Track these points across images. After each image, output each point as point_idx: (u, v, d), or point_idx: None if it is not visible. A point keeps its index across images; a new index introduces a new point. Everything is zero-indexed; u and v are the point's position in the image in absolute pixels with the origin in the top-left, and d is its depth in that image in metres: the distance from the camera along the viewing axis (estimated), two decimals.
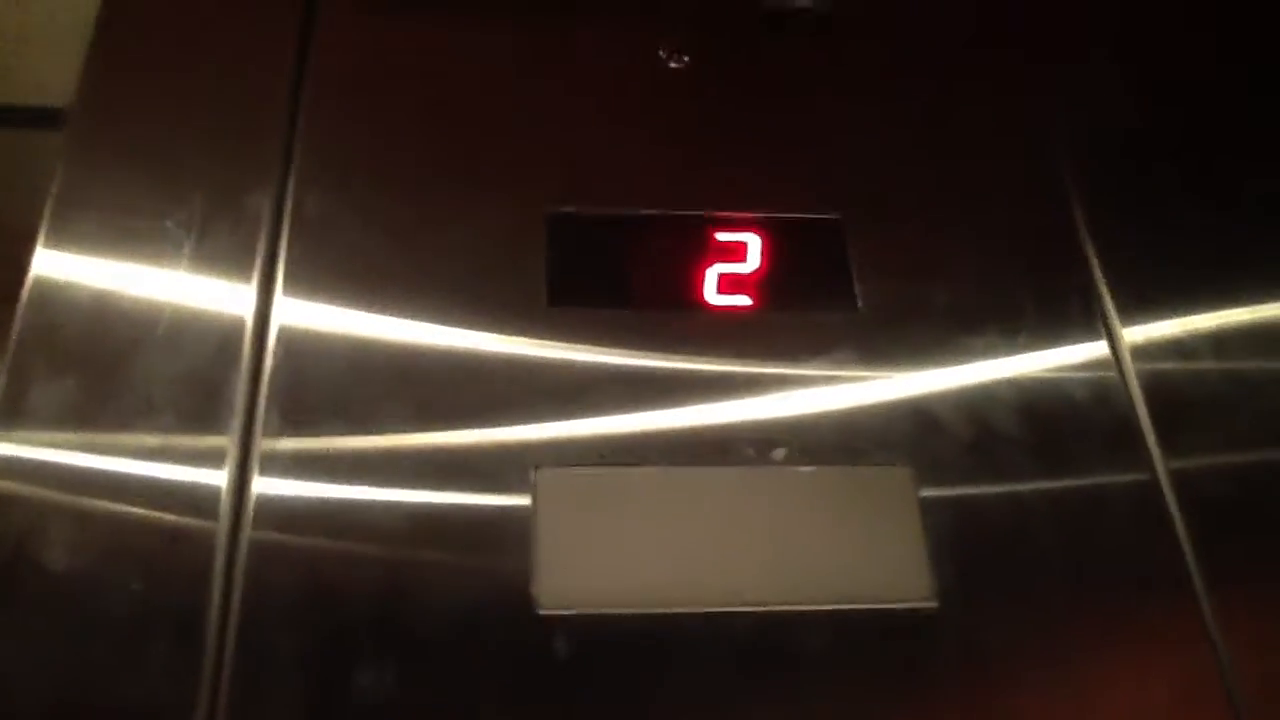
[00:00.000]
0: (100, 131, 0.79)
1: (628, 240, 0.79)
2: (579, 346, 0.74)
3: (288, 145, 0.79)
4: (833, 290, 0.79)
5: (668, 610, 0.65)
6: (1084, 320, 0.79)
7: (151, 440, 0.66)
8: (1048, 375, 0.77)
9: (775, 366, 0.75)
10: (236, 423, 0.67)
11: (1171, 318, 0.80)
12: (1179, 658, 0.68)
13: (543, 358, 0.73)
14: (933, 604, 0.67)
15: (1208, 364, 0.79)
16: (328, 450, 0.67)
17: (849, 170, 0.84)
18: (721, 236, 0.80)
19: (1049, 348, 0.78)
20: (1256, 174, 0.88)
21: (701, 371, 0.74)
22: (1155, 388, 0.77)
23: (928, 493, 0.71)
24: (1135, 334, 0.79)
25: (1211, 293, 0.81)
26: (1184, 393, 0.77)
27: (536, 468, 0.68)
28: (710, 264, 0.79)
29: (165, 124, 0.79)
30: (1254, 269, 0.83)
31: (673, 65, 0.88)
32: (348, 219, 0.76)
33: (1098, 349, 0.78)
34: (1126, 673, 0.67)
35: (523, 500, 0.67)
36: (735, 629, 0.65)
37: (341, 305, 0.73)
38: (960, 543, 0.70)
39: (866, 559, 0.69)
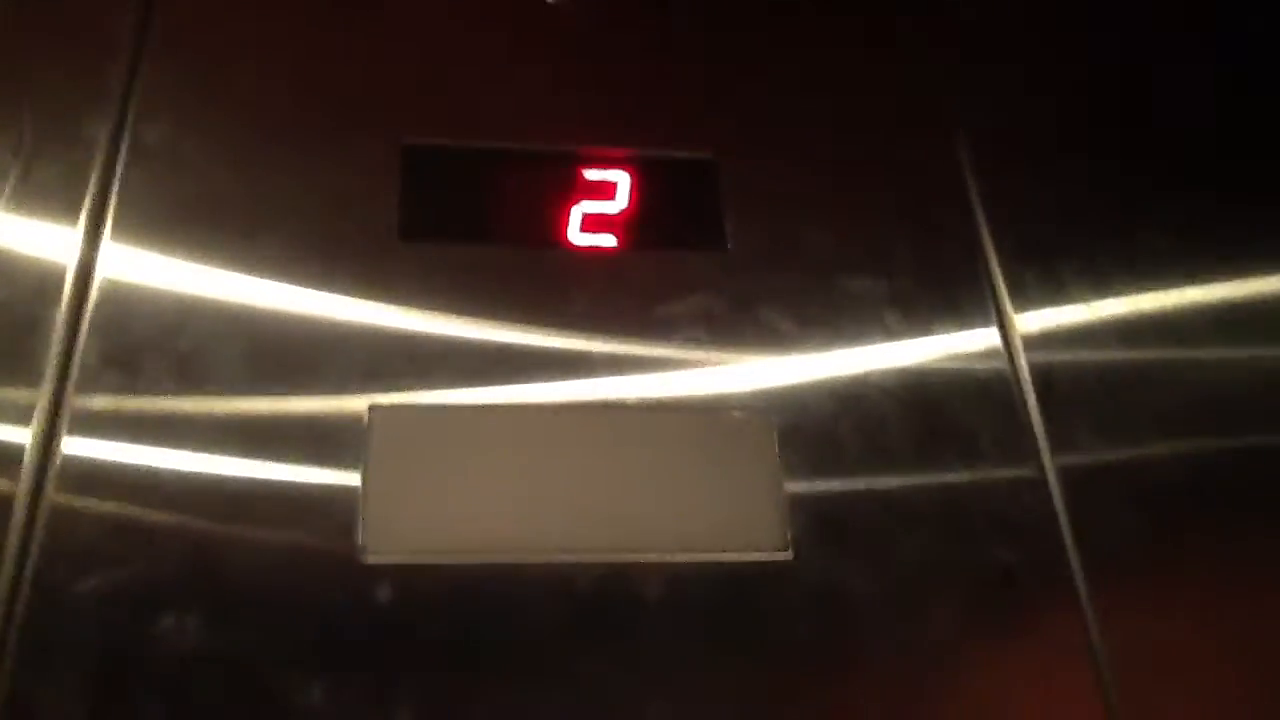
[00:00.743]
0: None
1: (489, 175, 0.76)
2: (431, 284, 0.71)
3: (131, 72, 0.75)
4: (702, 231, 0.77)
5: (503, 560, 0.63)
6: (972, 298, 0.76)
7: None
8: (927, 339, 0.75)
9: (639, 308, 0.73)
10: (49, 376, 0.64)
11: (1068, 303, 0.77)
12: (1050, 639, 0.67)
13: (390, 296, 0.70)
14: (786, 556, 0.66)
15: (1105, 355, 0.76)
16: (146, 408, 0.64)
17: (725, 109, 0.81)
18: (589, 174, 0.77)
19: (931, 309, 0.76)
20: (1168, 153, 0.85)
21: (559, 313, 0.72)
22: (1046, 379, 0.74)
23: (789, 443, 0.69)
24: (1028, 320, 0.76)
25: (1113, 279, 0.79)
26: (1078, 386, 0.75)
27: (371, 408, 0.66)
28: (576, 202, 0.76)
29: None
30: (1161, 253, 0.80)
31: None
32: (189, 151, 0.73)
33: (988, 336, 0.75)
34: (991, 645, 0.66)
35: (356, 451, 0.65)
36: (574, 580, 0.64)
37: (176, 247, 0.69)
38: (820, 497, 0.68)
39: (720, 508, 0.67)
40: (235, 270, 0.69)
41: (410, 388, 0.67)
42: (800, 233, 0.77)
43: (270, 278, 0.69)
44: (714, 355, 0.72)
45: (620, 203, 0.76)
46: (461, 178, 0.76)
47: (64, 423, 0.63)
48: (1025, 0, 0.90)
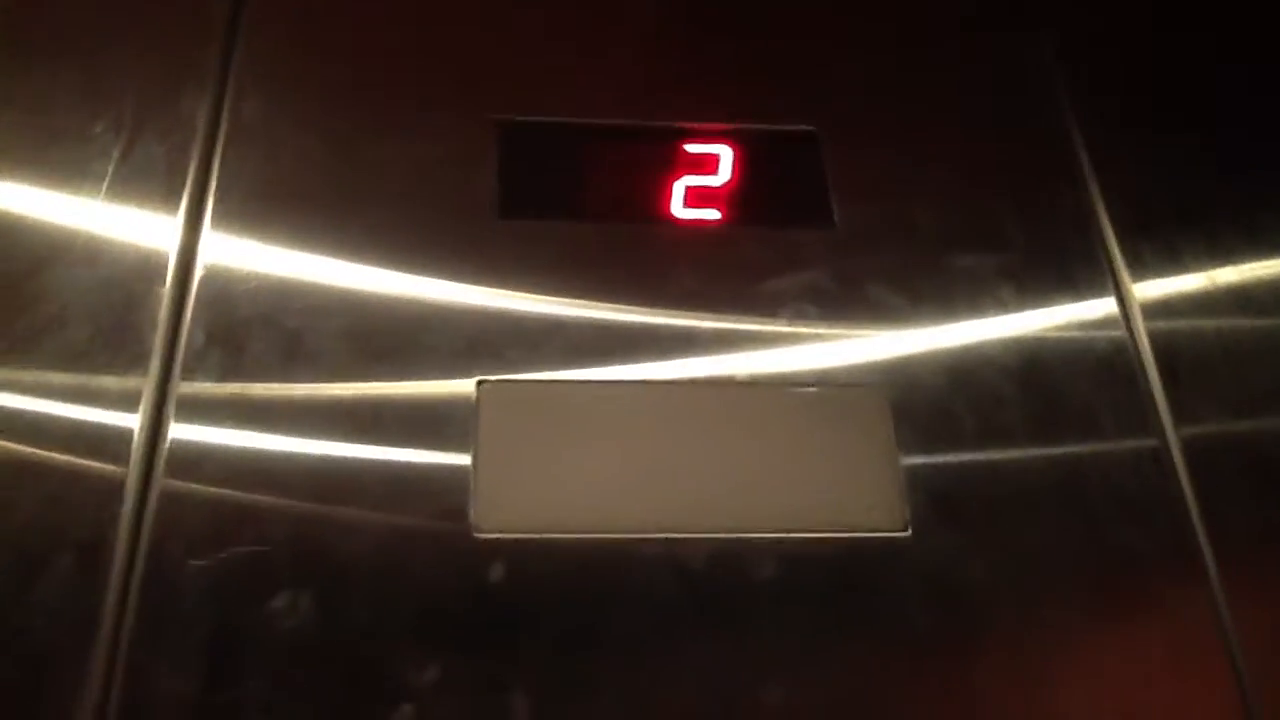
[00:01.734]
0: (28, 31, 0.74)
1: (588, 150, 0.75)
2: (533, 261, 0.69)
3: (227, 51, 0.74)
4: (808, 206, 0.74)
5: (617, 535, 0.61)
6: (1087, 268, 0.74)
7: (64, 379, 0.62)
8: (1042, 311, 0.72)
9: (745, 283, 0.71)
10: (155, 362, 0.63)
11: (1186, 272, 0.74)
12: (1179, 621, 0.64)
13: (492, 274, 0.69)
14: (904, 534, 0.63)
15: (1225, 323, 0.73)
16: (252, 392, 0.63)
17: (827, 81, 0.79)
18: (691, 148, 0.75)
19: (1045, 282, 0.73)
20: None
21: (664, 287, 0.70)
22: (1167, 348, 0.71)
23: (904, 419, 0.67)
24: (1146, 289, 0.73)
25: (1232, 247, 0.75)
26: (1199, 355, 0.72)
27: (479, 383, 0.64)
28: (678, 176, 0.74)
29: (99, 26, 0.74)
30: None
31: None
32: (287, 129, 0.72)
33: (1105, 305, 0.73)
34: (1118, 631, 0.63)
35: (464, 427, 0.63)
36: (689, 556, 0.62)
37: (276, 226, 0.68)
38: (937, 473, 0.66)
39: (835, 484, 0.65)
40: (335, 251, 0.68)
41: (516, 364, 0.66)
42: (908, 207, 0.74)
43: (370, 257, 0.68)
44: (824, 330, 0.70)
45: (723, 176, 0.74)
46: (560, 154, 0.74)
47: (170, 408, 0.62)
48: None
